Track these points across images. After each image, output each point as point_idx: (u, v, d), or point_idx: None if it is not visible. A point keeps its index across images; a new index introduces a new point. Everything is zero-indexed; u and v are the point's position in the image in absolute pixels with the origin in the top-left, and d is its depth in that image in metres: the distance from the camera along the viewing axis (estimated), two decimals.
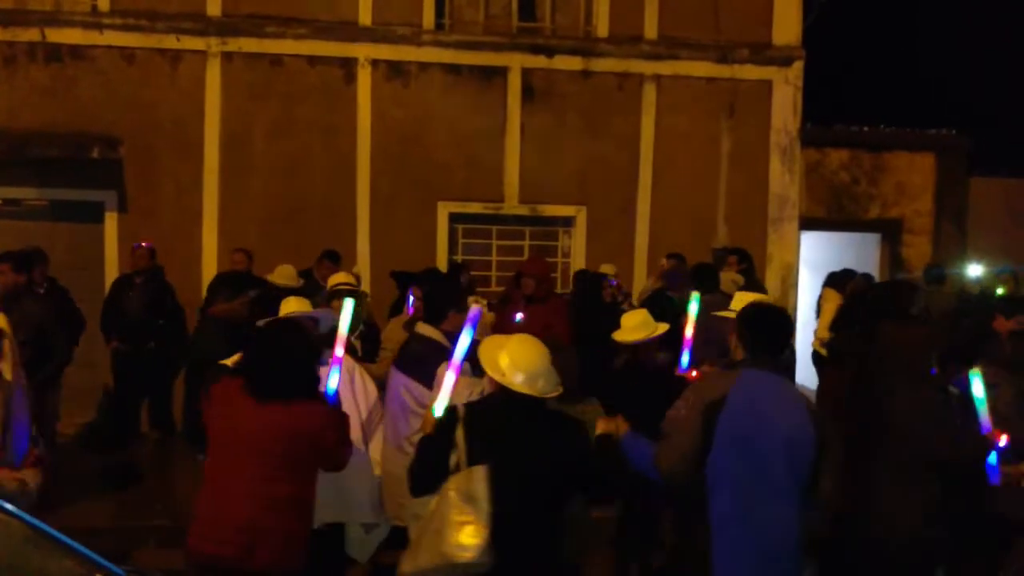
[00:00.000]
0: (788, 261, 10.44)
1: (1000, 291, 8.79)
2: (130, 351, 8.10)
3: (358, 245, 9.71)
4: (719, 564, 3.30)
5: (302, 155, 9.61)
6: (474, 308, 3.69)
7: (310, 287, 7.49)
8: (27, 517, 2.10)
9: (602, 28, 10.04)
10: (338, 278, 6.37)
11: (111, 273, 9.16)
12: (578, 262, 10.06)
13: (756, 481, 3.27)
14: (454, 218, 10.01)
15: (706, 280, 6.69)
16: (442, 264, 9.71)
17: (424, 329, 4.65)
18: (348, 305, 3.97)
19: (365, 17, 9.65)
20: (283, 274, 7.65)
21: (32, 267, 6.66)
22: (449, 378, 3.50)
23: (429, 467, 3.17)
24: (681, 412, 3.39)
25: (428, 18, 9.77)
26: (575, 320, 6.99)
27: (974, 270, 9.89)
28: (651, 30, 10.05)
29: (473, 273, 9.13)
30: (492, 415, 3.16)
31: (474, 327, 3.61)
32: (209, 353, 5.81)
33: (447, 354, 3.82)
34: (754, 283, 7.95)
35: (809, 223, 10.79)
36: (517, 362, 3.11)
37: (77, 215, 9.38)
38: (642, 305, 7.79)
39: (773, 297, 10.18)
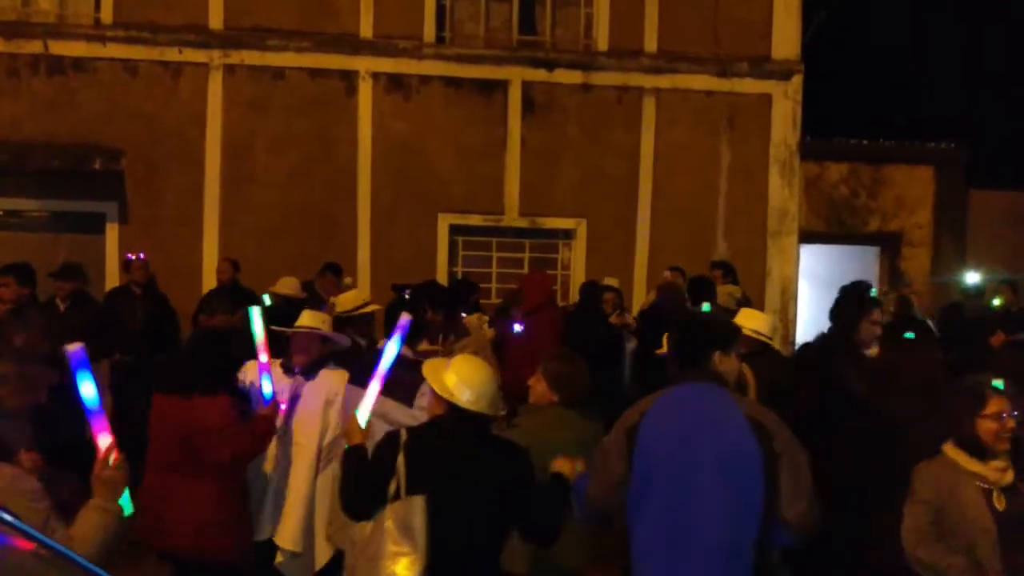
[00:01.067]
0: (788, 274, 10.45)
1: (997, 301, 8.80)
2: (132, 364, 8.08)
3: (358, 256, 9.72)
4: None
5: (303, 167, 9.64)
6: (403, 318, 3.55)
7: (312, 300, 7.49)
8: (29, 529, 2.10)
9: (602, 42, 10.09)
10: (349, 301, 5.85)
11: (112, 284, 9.17)
12: (578, 275, 10.07)
13: (679, 504, 2.88)
14: (454, 230, 10.03)
15: (703, 294, 6.71)
16: (442, 276, 9.73)
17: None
18: (256, 312, 4.17)
19: (366, 30, 9.70)
20: (286, 284, 7.64)
21: (34, 280, 6.65)
22: (373, 387, 3.41)
23: (366, 491, 3.08)
24: (608, 439, 3.12)
25: (429, 31, 9.82)
26: (575, 331, 6.99)
27: (971, 277, 9.88)
28: (651, 44, 10.10)
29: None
30: (436, 440, 3.09)
31: (403, 337, 3.50)
32: None
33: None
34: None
35: (809, 236, 10.82)
36: (464, 380, 3.06)
37: (78, 226, 9.41)
38: (639, 319, 7.81)
39: (772, 310, 10.25)
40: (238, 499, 4.08)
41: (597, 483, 3.09)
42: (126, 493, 2.66)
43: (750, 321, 4.82)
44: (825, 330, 4.91)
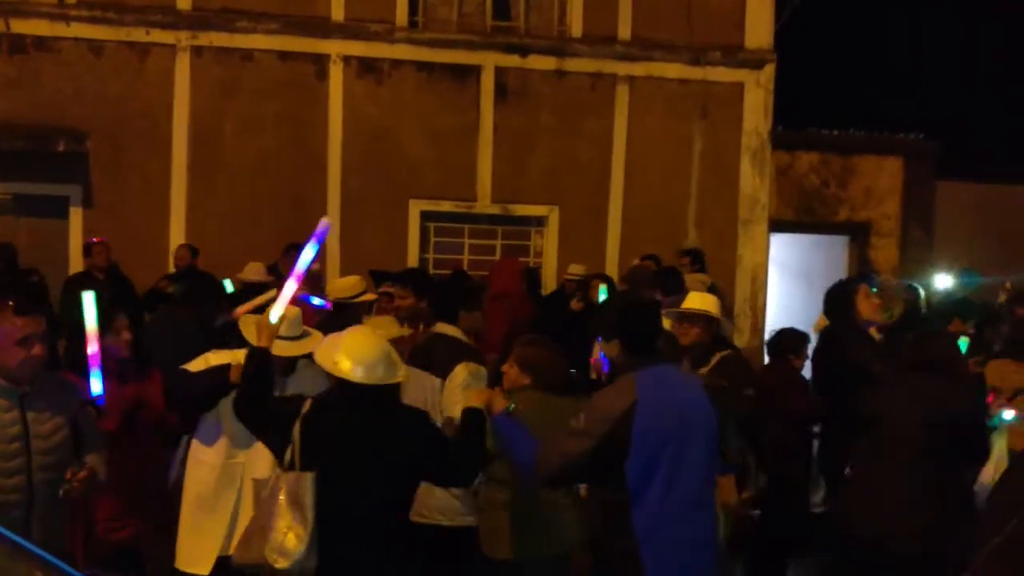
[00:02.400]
0: (758, 262, 10.51)
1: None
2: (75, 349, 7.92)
3: (328, 243, 9.61)
4: (653, 566, 3.21)
5: (272, 151, 9.52)
6: (323, 222, 3.64)
7: (279, 283, 7.40)
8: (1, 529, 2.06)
9: (576, 28, 10.05)
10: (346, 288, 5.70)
11: (75, 269, 9.00)
12: (550, 262, 10.06)
13: (683, 476, 3.26)
14: (426, 216, 9.97)
15: (670, 282, 6.71)
16: (413, 263, 9.66)
17: (446, 328, 4.66)
18: (89, 298, 3.79)
19: (337, 13, 9.57)
20: (252, 270, 7.53)
21: None
22: (290, 286, 3.49)
23: (257, 405, 3.26)
24: (580, 425, 3.25)
25: (401, 15, 9.72)
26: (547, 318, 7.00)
27: (943, 281, 9.86)
28: (625, 31, 10.07)
29: (444, 272, 9.07)
30: (332, 413, 3.15)
31: (319, 241, 3.61)
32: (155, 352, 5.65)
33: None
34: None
35: (779, 225, 10.87)
36: (352, 354, 3.09)
37: (40, 210, 9.22)
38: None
39: (743, 297, 10.32)
40: None
41: (555, 462, 3.27)
42: None
43: (697, 302, 4.79)
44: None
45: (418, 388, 4.30)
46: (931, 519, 3.94)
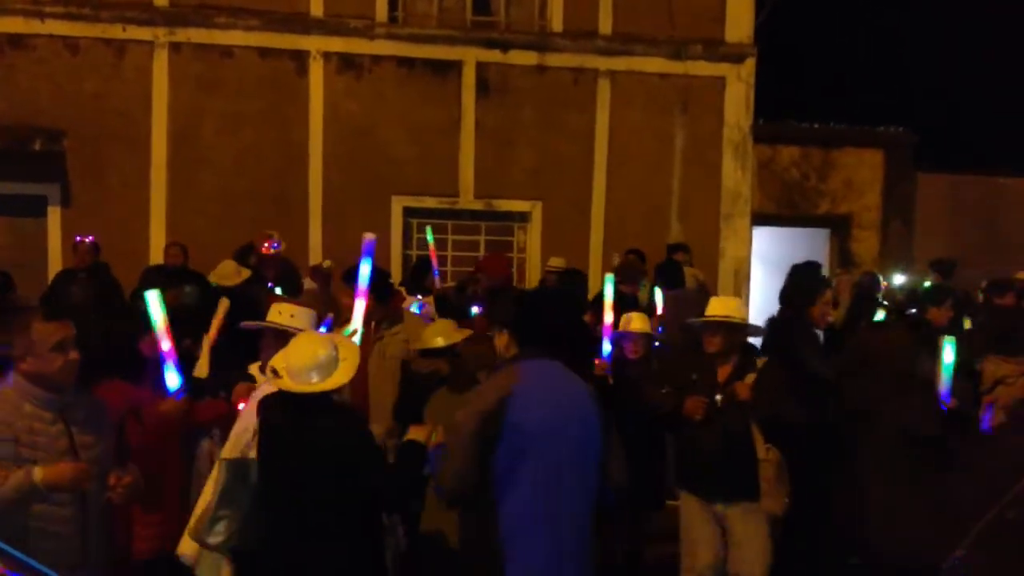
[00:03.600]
0: (740, 256, 10.55)
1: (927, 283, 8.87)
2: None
3: (310, 240, 9.57)
4: (513, 568, 3.02)
5: (252, 148, 9.45)
6: (368, 237, 3.93)
7: (258, 280, 7.33)
8: None
9: (556, 23, 10.03)
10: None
11: (54, 269, 8.90)
12: (534, 257, 10.06)
13: (551, 477, 3.03)
14: (408, 212, 9.93)
15: (671, 276, 6.73)
16: (397, 260, 9.63)
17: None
18: (154, 296, 3.91)
19: (317, 9, 9.51)
20: (220, 272, 7.30)
21: None
22: (359, 305, 3.79)
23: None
24: (466, 418, 3.12)
25: (381, 11, 9.67)
26: None
27: (898, 280, 9.89)
28: (605, 25, 10.07)
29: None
30: (273, 412, 3.27)
31: (370, 256, 3.90)
32: None
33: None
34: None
35: (761, 218, 10.91)
36: (289, 362, 3.19)
37: (18, 209, 9.11)
38: (594, 300, 7.78)
39: (726, 291, 10.33)
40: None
41: (447, 471, 3.11)
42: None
43: (720, 307, 4.46)
44: (775, 312, 4.93)
45: None
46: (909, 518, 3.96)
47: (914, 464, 3.96)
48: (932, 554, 3.81)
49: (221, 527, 3.19)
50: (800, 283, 4.83)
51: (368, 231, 9.02)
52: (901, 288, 9.61)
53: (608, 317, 4.84)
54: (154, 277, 7.68)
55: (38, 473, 2.85)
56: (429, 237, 7.87)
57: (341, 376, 3.22)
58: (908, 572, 3.91)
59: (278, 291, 6.25)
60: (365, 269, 3.85)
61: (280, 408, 3.24)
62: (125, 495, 3.09)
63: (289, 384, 3.16)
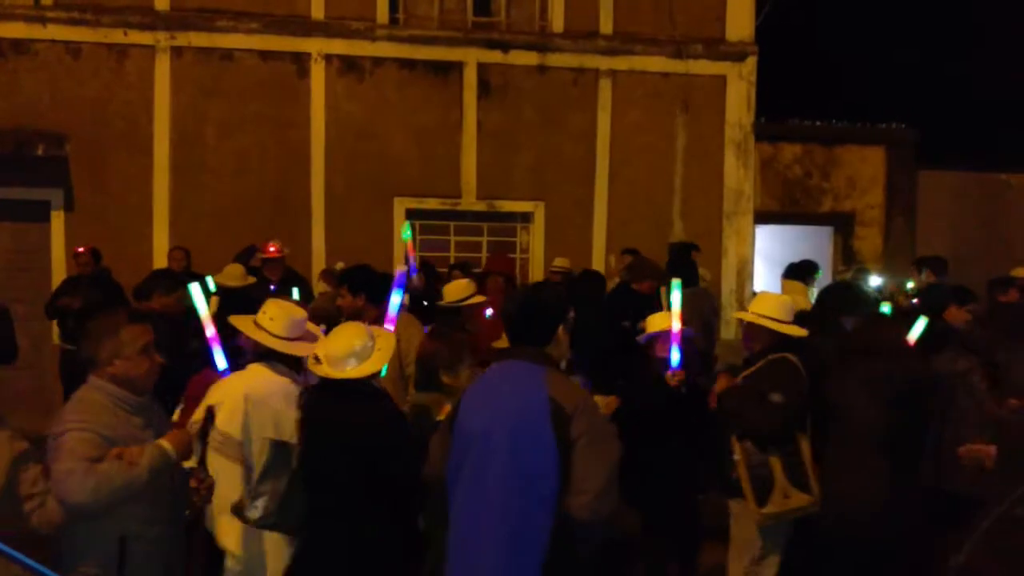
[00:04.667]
0: (743, 254, 10.54)
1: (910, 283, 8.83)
2: (74, 351, 7.86)
3: (313, 242, 9.58)
4: (450, 568, 2.91)
5: (255, 151, 9.46)
6: (400, 270, 4.12)
7: (260, 285, 7.36)
8: None
9: (557, 23, 10.03)
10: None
11: (58, 274, 8.93)
12: (537, 258, 10.06)
13: (481, 485, 2.79)
14: (411, 214, 9.93)
15: (686, 274, 6.71)
16: (400, 262, 9.61)
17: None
18: (196, 288, 4.16)
19: (318, 11, 9.52)
20: (229, 274, 7.38)
21: None
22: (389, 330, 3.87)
23: None
24: (442, 424, 3.17)
25: (382, 13, 9.67)
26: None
27: (875, 281, 9.79)
28: (606, 25, 10.06)
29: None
30: (317, 396, 3.44)
31: (401, 287, 4.02)
32: None
33: None
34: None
35: (763, 217, 10.90)
36: (328, 350, 3.37)
37: (22, 214, 9.13)
38: (609, 300, 7.79)
39: (729, 290, 10.34)
40: None
41: (434, 455, 3.10)
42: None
43: (765, 307, 4.26)
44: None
45: None
46: (896, 507, 3.96)
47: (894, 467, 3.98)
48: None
49: (260, 503, 3.32)
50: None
51: (370, 233, 9.10)
52: (900, 287, 9.50)
53: (675, 325, 4.47)
54: (159, 278, 7.71)
55: (166, 443, 2.96)
56: (405, 234, 7.84)
57: (373, 364, 3.39)
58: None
59: (295, 294, 6.21)
60: (396, 300, 3.95)
61: (320, 393, 3.42)
62: (207, 497, 3.15)
63: (328, 371, 3.34)
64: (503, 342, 3.92)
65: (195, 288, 4.16)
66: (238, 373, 3.85)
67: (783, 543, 4.19)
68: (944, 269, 8.44)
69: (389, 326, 3.93)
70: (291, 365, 3.78)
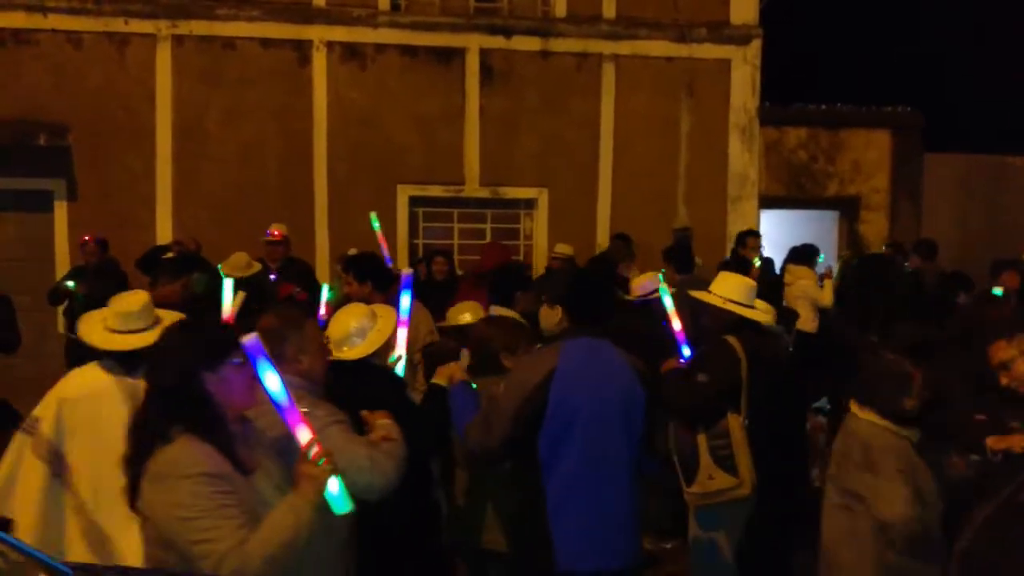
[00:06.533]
0: None
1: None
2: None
3: (316, 231, 9.57)
4: (563, 539, 3.22)
5: (257, 140, 9.44)
6: (406, 272, 4.03)
7: (263, 273, 7.35)
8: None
9: (560, 8, 9.96)
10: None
11: (62, 264, 8.94)
12: (540, 244, 10.03)
13: (596, 450, 3.24)
14: (414, 201, 9.91)
15: (682, 261, 6.70)
16: (403, 249, 9.63)
17: (502, 311, 4.78)
18: (228, 284, 4.28)
19: None
20: (232, 263, 7.34)
21: None
22: (402, 333, 3.82)
23: None
24: (499, 393, 3.35)
25: None
26: None
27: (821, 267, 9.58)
28: (609, 9, 9.99)
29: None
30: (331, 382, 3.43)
31: (410, 289, 3.96)
32: None
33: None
34: None
35: (769, 201, 10.86)
36: (330, 333, 3.48)
37: (25, 204, 9.13)
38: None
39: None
40: None
41: (483, 431, 3.29)
42: (342, 489, 2.42)
43: (724, 288, 4.24)
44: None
45: None
46: None
47: None
48: None
49: None
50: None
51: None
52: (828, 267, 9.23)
53: (676, 324, 4.54)
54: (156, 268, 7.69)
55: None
56: (374, 224, 7.85)
57: (370, 344, 3.47)
58: None
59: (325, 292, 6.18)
60: (405, 302, 3.91)
61: (332, 375, 3.44)
62: None
63: (332, 353, 3.41)
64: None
65: (227, 284, 4.26)
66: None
67: (730, 525, 4.09)
68: (932, 253, 8.39)
69: (403, 328, 3.85)
70: (120, 361, 3.31)
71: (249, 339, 2.39)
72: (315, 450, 2.38)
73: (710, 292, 4.25)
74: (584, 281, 3.66)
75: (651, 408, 3.40)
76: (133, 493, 2.39)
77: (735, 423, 3.97)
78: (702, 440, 3.99)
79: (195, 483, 2.28)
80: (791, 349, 5.17)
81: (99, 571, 2.96)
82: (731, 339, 4.05)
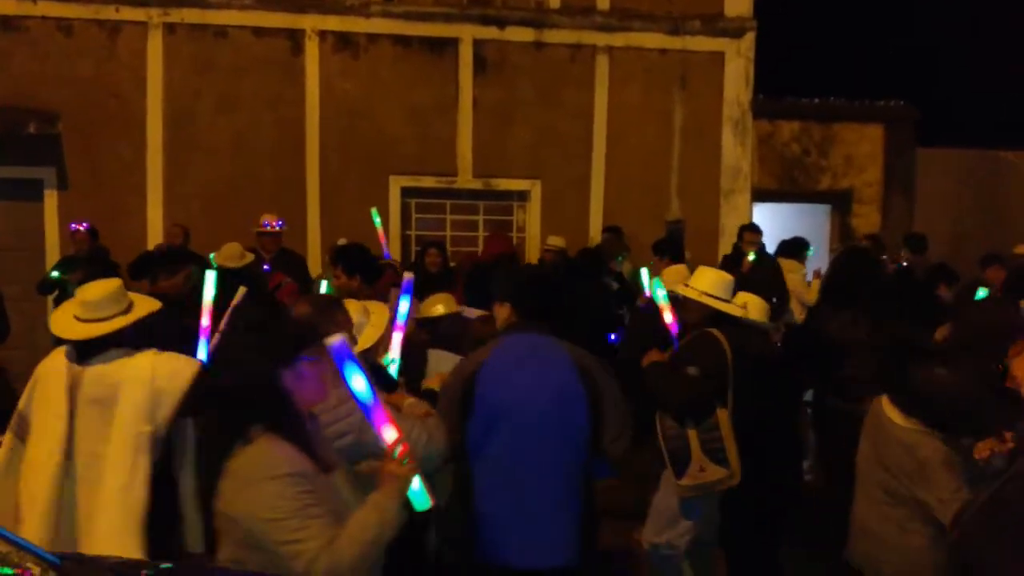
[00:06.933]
0: None
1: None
2: None
3: (308, 221, 9.54)
4: (481, 531, 3.19)
5: (249, 129, 9.40)
6: (406, 276, 3.96)
7: (257, 263, 7.30)
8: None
9: None
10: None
11: (52, 253, 8.89)
12: (534, 236, 10.02)
13: (522, 446, 3.16)
14: (407, 192, 9.88)
15: (671, 251, 6.71)
16: (395, 240, 9.60)
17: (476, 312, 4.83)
18: (212, 277, 4.14)
19: None
20: (225, 254, 7.28)
21: None
22: (397, 338, 3.79)
23: None
24: (444, 392, 3.34)
25: None
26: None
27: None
28: (603, 1, 9.97)
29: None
30: None
31: (409, 294, 3.86)
32: None
33: None
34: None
35: (761, 195, 10.85)
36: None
37: (14, 193, 9.07)
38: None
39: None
40: None
41: (446, 423, 3.22)
42: (421, 488, 2.48)
43: (701, 282, 4.28)
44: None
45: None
46: None
47: None
48: None
49: None
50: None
51: (366, 212, 9.06)
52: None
53: (667, 317, 4.60)
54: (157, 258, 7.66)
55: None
56: (375, 220, 7.79)
57: (361, 342, 3.38)
58: None
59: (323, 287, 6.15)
60: (404, 307, 3.90)
61: None
62: None
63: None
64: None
65: (210, 276, 4.15)
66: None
67: (702, 514, 4.23)
68: (922, 247, 8.42)
69: (399, 333, 3.83)
70: (78, 348, 3.40)
71: (336, 339, 2.41)
72: (401, 449, 2.41)
73: (687, 286, 4.29)
74: (531, 278, 3.61)
75: (596, 408, 3.26)
76: (210, 493, 2.38)
77: (723, 416, 4.00)
78: (693, 434, 4.01)
79: (281, 484, 2.27)
80: (780, 343, 5.14)
81: (88, 561, 2.95)
82: (715, 332, 4.08)
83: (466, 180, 9.91)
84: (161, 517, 3.38)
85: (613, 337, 6.58)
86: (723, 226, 10.38)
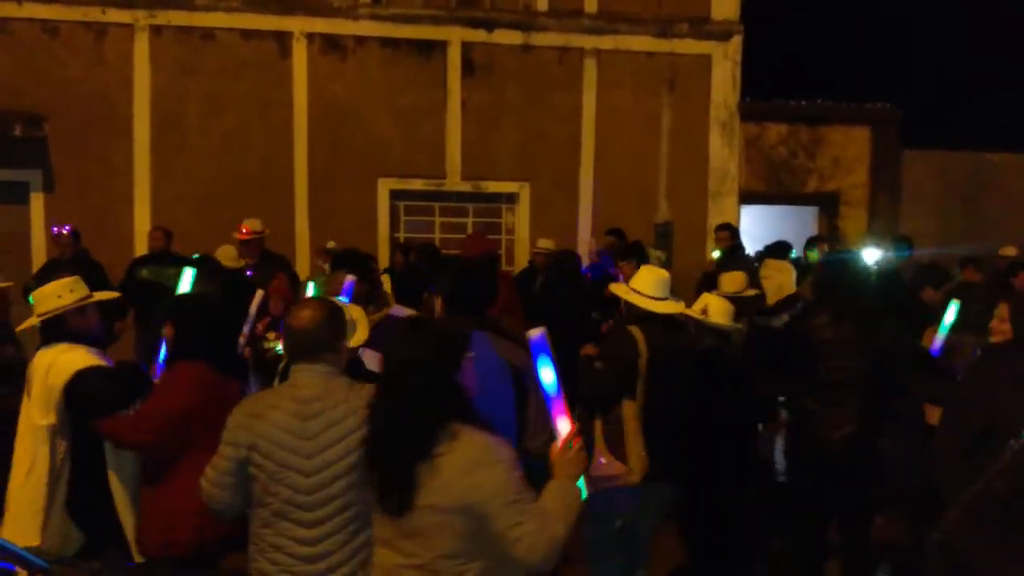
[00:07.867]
0: None
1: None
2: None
3: (296, 224, 9.52)
4: None
5: (237, 132, 9.37)
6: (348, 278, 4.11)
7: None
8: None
9: (542, 2, 9.96)
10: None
11: (38, 256, 8.84)
12: (522, 238, 10.03)
13: None
14: (395, 195, 9.87)
15: (636, 256, 6.75)
16: (384, 243, 9.59)
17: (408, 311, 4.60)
18: (188, 274, 4.18)
19: None
20: (224, 256, 7.34)
21: None
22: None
23: None
24: None
25: None
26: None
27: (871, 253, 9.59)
28: (591, 4, 9.99)
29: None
30: None
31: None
32: None
33: None
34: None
35: (749, 197, 10.90)
36: None
37: (0, 196, 9.01)
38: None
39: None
40: None
41: None
42: (581, 478, 2.60)
43: (637, 281, 4.29)
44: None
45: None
46: None
47: None
48: None
49: None
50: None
51: (354, 214, 9.06)
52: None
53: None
54: (144, 263, 7.67)
55: None
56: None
57: (357, 339, 3.46)
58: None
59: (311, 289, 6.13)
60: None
61: None
62: None
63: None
64: None
65: (187, 273, 4.16)
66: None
67: (625, 511, 4.12)
68: (907, 248, 8.46)
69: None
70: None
71: (536, 333, 2.58)
72: (576, 439, 2.56)
73: (627, 285, 4.40)
74: (459, 272, 3.63)
75: (521, 403, 3.26)
76: (409, 488, 2.39)
77: (629, 410, 4.06)
78: (598, 424, 4.11)
79: (507, 467, 2.38)
80: (745, 344, 5.08)
81: (75, 564, 2.94)
82: (633, 328, 4.15)
83: (455, 182, 9.91)
84: (91, 506, 3.43)
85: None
86: (711, 228, 10.37)
